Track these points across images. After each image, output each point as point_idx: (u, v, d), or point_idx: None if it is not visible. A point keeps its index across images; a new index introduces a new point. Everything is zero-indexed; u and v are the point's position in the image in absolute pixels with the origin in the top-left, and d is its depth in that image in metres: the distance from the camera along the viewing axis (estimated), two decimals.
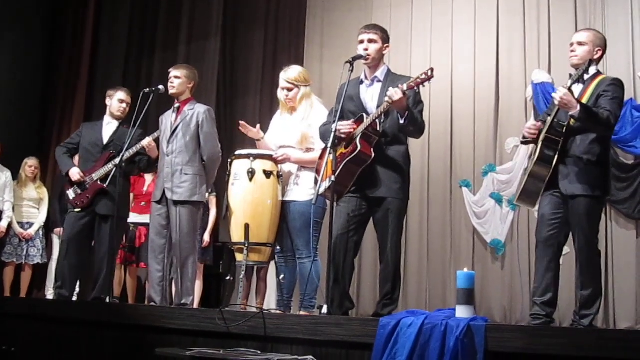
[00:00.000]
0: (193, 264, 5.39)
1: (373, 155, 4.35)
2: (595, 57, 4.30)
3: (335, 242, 4.35)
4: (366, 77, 4.61)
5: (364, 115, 4.43)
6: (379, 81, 4.56)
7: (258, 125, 5.29)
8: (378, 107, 4.40)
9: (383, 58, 4.62)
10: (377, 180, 4.39)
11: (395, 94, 4.18)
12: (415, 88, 4.26)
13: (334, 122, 4.40)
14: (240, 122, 5.29)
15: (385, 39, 4.60)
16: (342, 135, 4.42)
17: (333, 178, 4.31)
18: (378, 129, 4.39)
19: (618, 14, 7.01)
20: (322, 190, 4.42)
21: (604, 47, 4.36)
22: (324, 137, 4.61)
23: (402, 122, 4.30)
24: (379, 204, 4.42)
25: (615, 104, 4.13)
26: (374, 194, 4.41)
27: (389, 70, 4.62)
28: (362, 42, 4.55)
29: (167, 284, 5.46)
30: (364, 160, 4.35)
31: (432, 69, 4.19)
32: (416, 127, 4.40)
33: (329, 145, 4.33)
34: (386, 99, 4.26)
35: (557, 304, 4.25)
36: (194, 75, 5.61)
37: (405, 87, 4.20)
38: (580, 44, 4.32)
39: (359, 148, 4.31)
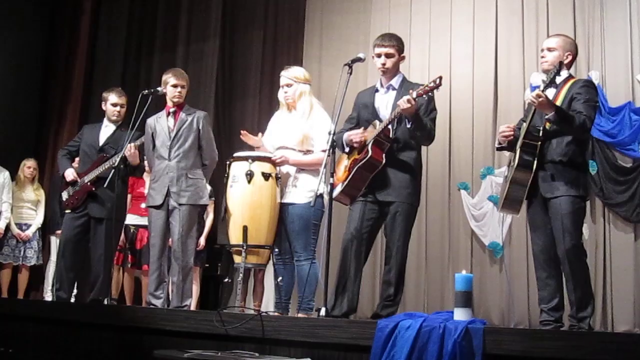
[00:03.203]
0: (192, 266, 5.47)
1: (384, 161, 4.40)
2: (566, 61, 4.33)
3: (346, 244, 4.43)
4: (382, 85, 4.66)
5: (377, 122, 4.50)
6: (394, 89, 4.60)
7: (260, 134, 5.32)
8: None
9: (399, 67, 4.67)
10: (388, 185, 4.44)
11: (404, 102, 4.22)
12: (425, 95, 4.29)
13: (341, 130, 4.57)
14: (242, 131, 5.32)
15: (401, 49, 4.64)
16: (355, 145, 4.53)
17: (332, 180, 4.42)
18: (390, 135, 4.45)
19: (617, 17, 7.01)
20: (335, 194, 4.50)
21: (574, 52, 4.41)
22: (340, 138, 4.66)
23: (408, 126, 4.34)
24: (388, 208, 4.46)
25: (590, 107, 4.16)
26: (384, 198, 4.46)
27: (404, 78, 4.66)
28: (379, 55, 4.58)
29: (166, 287, 5.45)
30: (375, 165, 4.41)
31: (440, 77, 4.24)
32: (424, 133, 4.44)
33: (328, 148, 4.47)
34: (398, 102, 4.30)
35: (564, 306, 4.24)
36: (188, 78, 5.71)
37: (414, 94, 4.24)
38: (550, 49, 4.37)
39: (370, 154, 4.37)
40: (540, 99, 4.02)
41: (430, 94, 4.31)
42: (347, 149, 4.62)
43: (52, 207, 8.00)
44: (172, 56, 9.37)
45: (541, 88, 4.13)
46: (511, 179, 4.21)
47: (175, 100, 5.50)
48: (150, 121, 5.60)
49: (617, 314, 6.63)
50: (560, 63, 4.21)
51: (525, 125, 4.26)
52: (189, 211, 5.35)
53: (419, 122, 4.34)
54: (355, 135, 4.53)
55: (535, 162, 4.16)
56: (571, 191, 4.11)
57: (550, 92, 4.24)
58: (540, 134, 4.20)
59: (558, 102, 4.20)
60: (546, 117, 4.10)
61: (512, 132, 4.36)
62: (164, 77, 5.58)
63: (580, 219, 4.15)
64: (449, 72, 7.74)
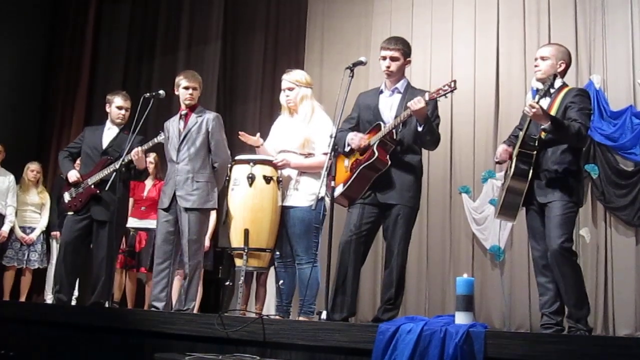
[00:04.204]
0: (199, 270, 5.44)
1: (389, 162, 4.41)
2: (559, 70, 4.36)
3: (344, 247, 4.44)
4: (386, 87, 4.66)
5: (381, 123, 4.49)
6: (399, 92, 4.61)
7: (258, 134, 5.31)
8: (396, 117, 4.46)
9: (405, 71, 4.67)
10: (390, 187, 4.45)
11: (417, 102, 4.22)
12: (438, 99, 4.30)
13: (341, 130, 4.58)
14: (240, 132, 5.31)
15: (407, 53, 4.64)
16: (354, 147, 4.52)
17: (333, 184, 4.46)
18: (395, 137, 4.46)
19: (617, 20, 7.02)
20: (336, 194, 4.52)
21: (567, 60, 4.43)
22: (342, 139, 4.65)
23: (420, 129, 4.34)
24: (389, 210, 4.47)
25: (584, 115, 4.18)
26: (385, 200, 4.47)
27: (408, 83, 4.68)
28: (384, 58, 4.59)
29: (170, 290, 5.44)
30: (380, 167, 4.42)
31: (454, 81, 4.25)
32: (433, 138, 4.46)
33: (329, 151, 4.48)
34: (409, 103, 4.29)
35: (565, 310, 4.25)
36: (201, 80, 5.63)
37: (427, 97, 4.26)
38: (543, 58, 4.39)
39: (376, 155, 4.38)
40: (534, 110, 4.04)
41: (438, 99, 4.32)
42: (347, 149, 4.61)
43: (52, 209, 8.01)
44: (174, 59, 9.38)
45: (536, 99, 4.15)
46: (507, 187, 4.25)
47: (187, 102, 5.46)
48: (166, 124, 5.59)
49: (619, 318, 6.62)
50: (555, 76, 4.24)
51: (521, 134, 4.29)
52: (195, 215, 5.30)
53: (430, 125, 4.35)
54: (357, 139, 4.51)
55: (531, 171, 4.20)
56: (564, 197, 4.14)
57: (545, 102, 4.27)
58: (536, 143, 4.24)
59: (552, 111, 4.22)
60: (542, 127, 4.12)
61: (508, 157, 4.40)
62: (177, 79, 5.53)
63: (570, 223, 4.17)
64: (450, 76, 7.71)
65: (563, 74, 4.41)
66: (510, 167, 4.28)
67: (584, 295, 4.15)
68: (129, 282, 7.35)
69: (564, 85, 4.38)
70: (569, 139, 4.14)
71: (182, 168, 5.36)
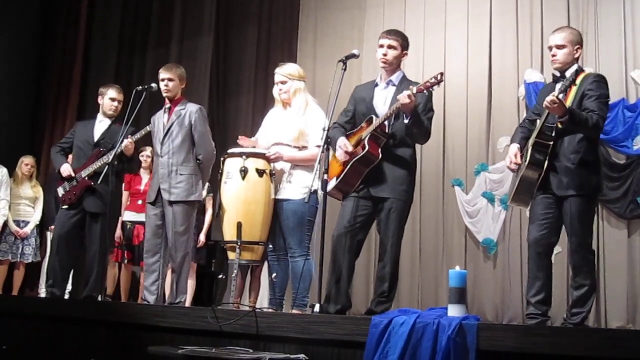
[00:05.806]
0: (188, 262, 5.44)
1: (380, 156, 4.42)
2: (576, 55, 4.30)
3: (338, 240, 4.45)
4: (381, 80, 4.68)
5: (373, 116, 4.50)
6: (394, 85, 4.62)
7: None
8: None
9: (400, 64, 4.68)
10: (383, 181, 4.46)
11: (405, 97, 4.22)
12: (425, 92, 4.31)
13: (336, 125, 4.62)
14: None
15: (405, 45, 4.65)
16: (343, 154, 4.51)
17: (326, 177, 4.44)
18: (387, 130, 4.46)
19: (610, 13, 7.03)
20: (329, 188, 4.52)
21: (581, 43, 4.34)
22: (335, 139, 4.65)
23: (405, 121, 4.34)
24: (382, 204, 4.47)
25: (602, 104, 4.15)
26: (378, 194, 4.47)
27: (404, 75, 4.69)
28: (381, 46, 4.60)
29: (161, 283, 5.44)
30: (371, 160, 4.43)
31: (441, 73, 4.25)
32: (421, 130, 4.44)
33: (322, 144, 4.48)
34: (398, 96, 4.30)
35: (552, 302, 4.26)
36: (185, 73, 5.61)
37: (414, 90, 4.25)
38: (559, 47, 4.30)
39: (367, 148, 4.39)
40: (555, 105, 3.98)
41: (430, 90, 4.33)
42: (338, 153, 4.60)
43: (48, 203, 7.99)
44: (166, 52, 9.36)
45: (555, 93, 4.05)
46: (521, 176, 4.23)
47: (164, 94, 5.46)
48: (153, 118, 5.59)
49: (610, 310, 6.64)
50: (577, 71, 4.20)
51: (539, 124, 4.25)
52: (180, 207, 5.30)
53: (417, 118, 4.35)
54: (341, 153, 4.49)
55: (546, 161, 4.16)
56: (581, 191, 4.11)
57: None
58: (553, 133, 4.19)
59: (569, 97, 4.17)
60: (559, 119, 4.07)
61: (517, 165, 4.33)
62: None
63: (589, 218, 4.17)
64: (443, 69, 7.70)
65: (578, 58, 4.34)
66: (526, 155, 4.25)
67: (589, 293, 4.13)
68: (124, 276, 7.34)
69: (581, 70, 4.31)
70: (585, 130, 4.11)
71: (165, 161, 5.35)
